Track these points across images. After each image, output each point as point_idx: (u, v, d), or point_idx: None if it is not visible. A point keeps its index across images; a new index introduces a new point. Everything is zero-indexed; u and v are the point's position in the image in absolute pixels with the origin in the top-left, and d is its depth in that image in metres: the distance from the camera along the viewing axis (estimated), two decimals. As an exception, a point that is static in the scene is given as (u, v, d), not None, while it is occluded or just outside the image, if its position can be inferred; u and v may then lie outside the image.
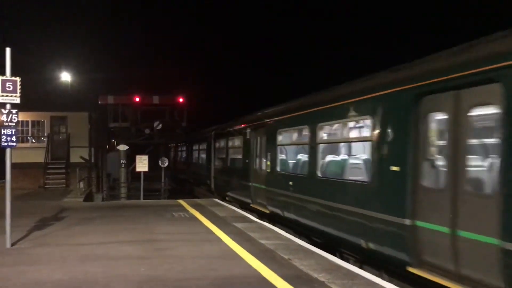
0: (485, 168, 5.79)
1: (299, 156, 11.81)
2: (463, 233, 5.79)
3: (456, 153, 6.06)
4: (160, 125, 25.29)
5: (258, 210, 14.15)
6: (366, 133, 8.45)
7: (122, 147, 23.31)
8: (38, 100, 22.87)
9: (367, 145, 8.33)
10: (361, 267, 8.02)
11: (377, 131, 7.71)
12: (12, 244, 8.95)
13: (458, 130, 6.05)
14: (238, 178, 16.74)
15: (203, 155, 25.27)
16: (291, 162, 12.50)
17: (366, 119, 8.22)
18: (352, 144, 9.86)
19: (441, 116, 6.47)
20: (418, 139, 6.72)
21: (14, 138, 8.86)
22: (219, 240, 9.57)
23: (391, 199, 7.18)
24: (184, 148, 33.72)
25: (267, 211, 13.23)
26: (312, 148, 10.31)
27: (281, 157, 12.74)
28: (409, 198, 6.71)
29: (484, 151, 5.89)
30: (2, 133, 8.73)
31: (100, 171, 25.28)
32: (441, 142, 6.45)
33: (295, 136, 12.18)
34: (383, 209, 7.30)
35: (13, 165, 9.12)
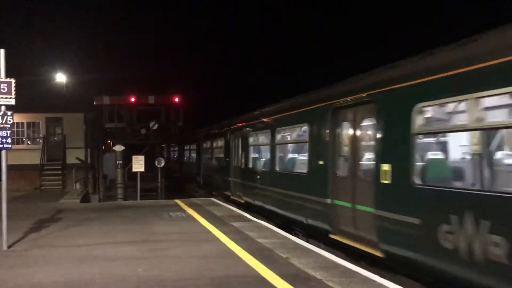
0: (368, 161, 8.23)
1: (263, 155, 14.63)
2: (357, 206, 8.25)
3: (354, 151, 8.59)
4: (156, 125, 25.25)
5: (237, 201, 16.37)
6: (304, 136, 11.06)
7: (118, 148, 23.22)
8: (33, 101, 22.79)
9: (305, 145, 10.91)
10: (307, 241, 9.98)
11: (310, 135, 10.41)
12: (9, 246, 8.92)
13: (355, 135, 8.61)
14: (221, 174, 19.16)
15: (194, 155, 26.46)
16: (258, 159, 15.04)
17: (305, 126, 10.85)
18: (296, 144, 12.55)
19: (347, 124, 8.98)
20: (335, 140, 9.28)
21: (9, 140, 8.80)
22: (216, 239, 9.56)
23: (319, 185, 9.62)
24: (177, 148, 34.26)
25: (243, 201, 15.65)
26: (272, 147, 12.95)
27: (252, 156, 15.33)
28: (330, 184, 9.21)
29: (369, 149, 8.30)
30: (-3, 135, 8.69)
31: (97, 172, 25.22)
32: (347, 143, 8.96)
33: (260, 138, 14.93)
34: (315, 192, 9.81)
35: (9, 167, 9.06)
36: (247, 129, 15.64)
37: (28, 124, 25.57)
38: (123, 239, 9.74)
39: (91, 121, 25.40)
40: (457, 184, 6.71)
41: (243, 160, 15.94)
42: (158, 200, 20.36)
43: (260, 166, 14.51)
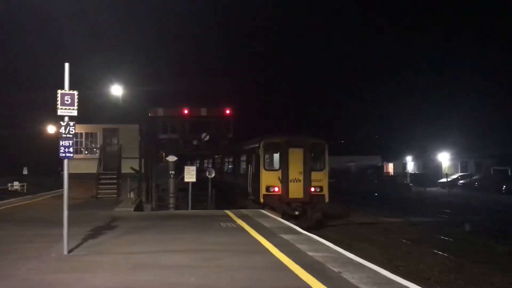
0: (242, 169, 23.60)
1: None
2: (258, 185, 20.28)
3: (255, 165, 20.95)
4: (208, 136, 25.68)
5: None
6: (245, 158, 22.85)
7: (171, 158, 23.74)
8: (91, 113, 23.79)
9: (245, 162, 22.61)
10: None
11: (245, 159, 23.07)
12: (69, 252, 9.30)
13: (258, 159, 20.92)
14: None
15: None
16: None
17: (245, 155, 23.06)
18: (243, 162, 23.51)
19: (253, 155, 21.40)
20: (251, 161, 21.61)
21: (71, 150, 9.22)
22: (267, 251, 9.54)
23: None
24: (230, 159, 34.18)
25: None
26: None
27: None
28: (249, 177, 21.54)
29: (245, 164, 23.18)
30: (60, 144, 9.10)
31: (150, 181, 25.89)
32: (254, 163, 21.34)
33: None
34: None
35: (69, 175, 9.44)
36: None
37: (87, 134, 26.69)
38: (175, 248, 9.92)
39: (145, 132, 26.17)
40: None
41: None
42: (208, 210, 20.63)
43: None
